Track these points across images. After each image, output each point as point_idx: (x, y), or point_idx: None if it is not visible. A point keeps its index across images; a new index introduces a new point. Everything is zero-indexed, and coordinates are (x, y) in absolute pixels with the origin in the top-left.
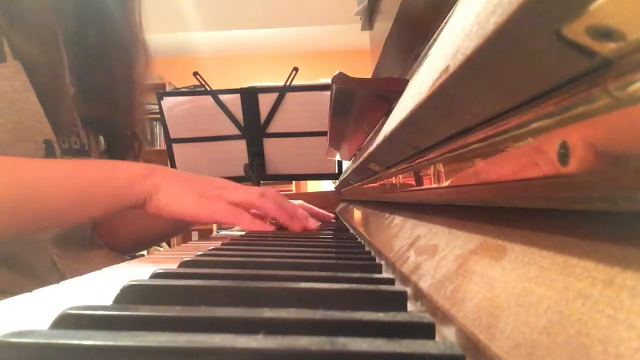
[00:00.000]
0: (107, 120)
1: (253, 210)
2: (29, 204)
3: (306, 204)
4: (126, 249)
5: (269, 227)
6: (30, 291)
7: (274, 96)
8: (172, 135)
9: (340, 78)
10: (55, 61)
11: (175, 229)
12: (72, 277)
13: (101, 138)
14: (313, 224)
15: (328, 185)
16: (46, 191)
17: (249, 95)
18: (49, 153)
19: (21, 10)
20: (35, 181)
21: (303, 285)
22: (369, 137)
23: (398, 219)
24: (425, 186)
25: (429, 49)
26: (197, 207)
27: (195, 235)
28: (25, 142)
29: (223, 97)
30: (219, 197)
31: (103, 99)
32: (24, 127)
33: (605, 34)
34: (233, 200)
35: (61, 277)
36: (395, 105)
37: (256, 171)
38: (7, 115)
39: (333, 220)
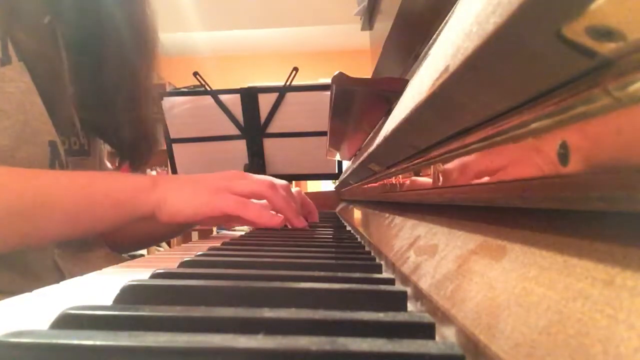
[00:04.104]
0: (108, 121)
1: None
2: (36, 216)
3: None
4: (127, 249)
5: (277, 220)
6: (30, 291)
7: (274, 96)
8: (172, 135)
9: (340, 78)
10: (55, 61)
11: (175, 231)
12: (72, 277)
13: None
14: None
15: (328, 185)
16: (53, 204)
17: (249, 95)
18: (54, 154)
19: (23, 11)
20: (42, 194)
21: (303, 285)
22: (369, 137)
23: (398, 219)
24: (426, 186)
25: (429, 49)
26: (208, 205)
27: (195, 235)
28: (32, 143)
29: (223, 97)
30: (226, 189)
31: (105, 102)
32: (30, 129)
33: (605, 34)
34: (240, 190)
35: (61, 277)
36: (395, 105)
37: (256, 171)
38: (14, 117)
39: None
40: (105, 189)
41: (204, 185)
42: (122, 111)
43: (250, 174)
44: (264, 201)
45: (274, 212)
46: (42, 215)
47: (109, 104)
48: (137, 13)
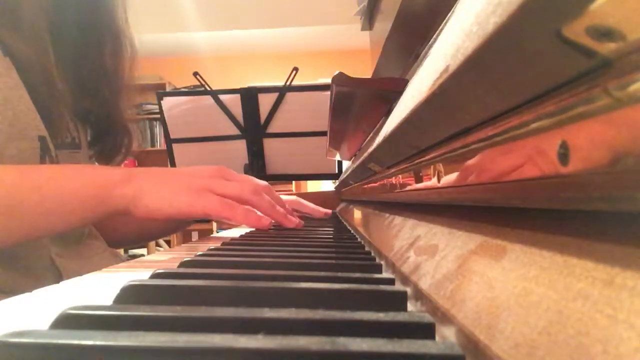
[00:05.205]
0: (95, 111)
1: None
2: (3, 214)
3: (301, 200)
4: (123, 244)
5: (265, 221)
6: (30, 291)
7: (274, 96)
8: (172, 135)
9: (340, 78)
10: (44, 56)
11: (171, 228)
12: (70, 276)
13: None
14: (298, 222)
15: (328, 185)
16: (20, 201)
17: (249, 95)
18: (44, 149)
19: (11, 6)
20: (8, 191)
21: (303, 285)
22: (369, 137)
23: (398, 219)
24: (425, 186)
25: (429, 49)
26: (188, 204)
27: (195, 235)
28: (21, 139)
29: (223, 97)
30: (208, 189)
31: (88, 91)
32: (19, 125)
33: (605, 34)
34: (223, 192)
35: (59, 275)
36: (395, 105)
37: (256, 171)
38: (2, 113)
39: (330, 214)
40: (74, 184)
41: (184, 183)
42: (105, 101)
43: (231, 172)
44: None
45: (260, 214)
46: (7, 215)
47: (92, 92)
48: (114, 11)
